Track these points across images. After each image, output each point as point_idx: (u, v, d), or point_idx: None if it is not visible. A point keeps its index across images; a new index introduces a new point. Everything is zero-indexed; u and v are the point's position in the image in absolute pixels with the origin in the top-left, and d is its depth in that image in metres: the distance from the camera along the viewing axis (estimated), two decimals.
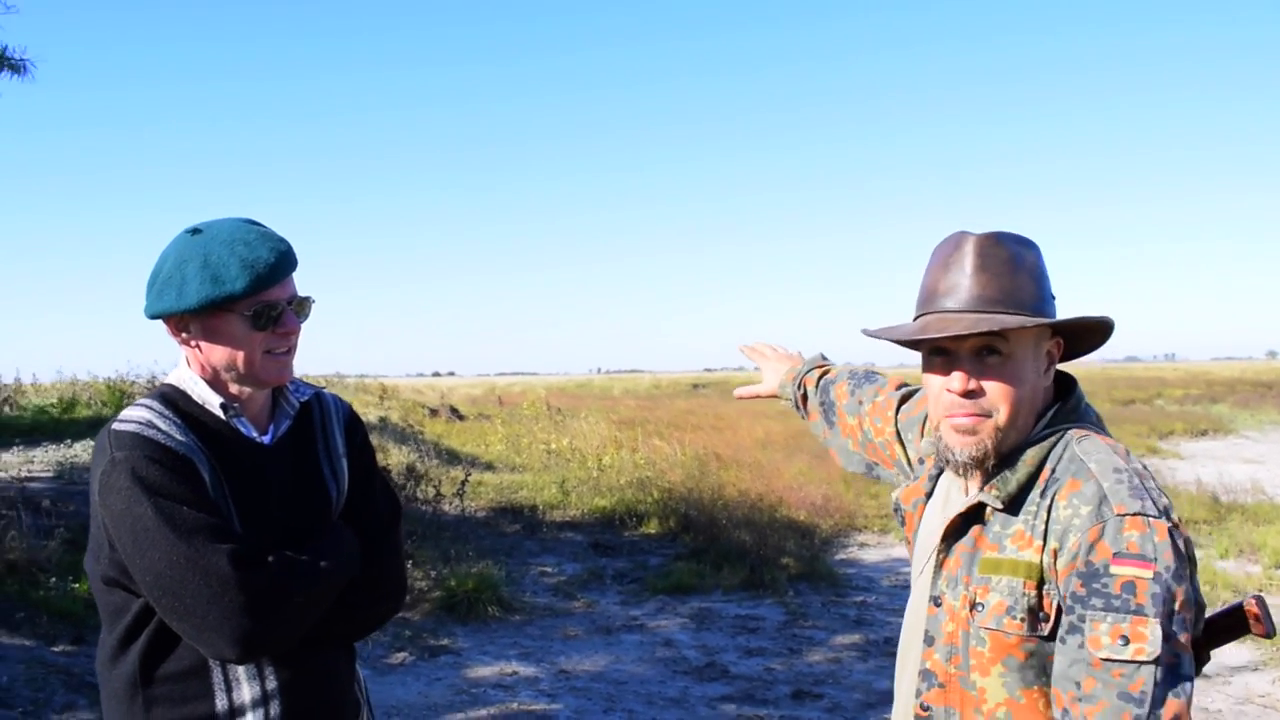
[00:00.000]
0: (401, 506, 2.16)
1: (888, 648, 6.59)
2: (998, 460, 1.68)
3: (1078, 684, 1.50)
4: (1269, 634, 1.66)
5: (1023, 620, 1.59)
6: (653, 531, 10.25)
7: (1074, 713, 1.50)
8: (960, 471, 1.72)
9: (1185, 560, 1.54)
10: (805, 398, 2.43)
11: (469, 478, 10.73)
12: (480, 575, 7.40)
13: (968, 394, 1.66)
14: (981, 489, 1.69)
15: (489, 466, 14.38)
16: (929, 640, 1.72)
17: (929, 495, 1.87)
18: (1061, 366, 1.80)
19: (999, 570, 1.63)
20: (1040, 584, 1.59)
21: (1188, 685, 1.48)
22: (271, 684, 1.82)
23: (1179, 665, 1.47)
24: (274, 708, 1.82)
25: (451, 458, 14.67)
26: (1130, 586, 1.49)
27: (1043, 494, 1.62)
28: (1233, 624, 1.66)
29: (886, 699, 5.68)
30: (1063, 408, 1.72)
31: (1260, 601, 1.65)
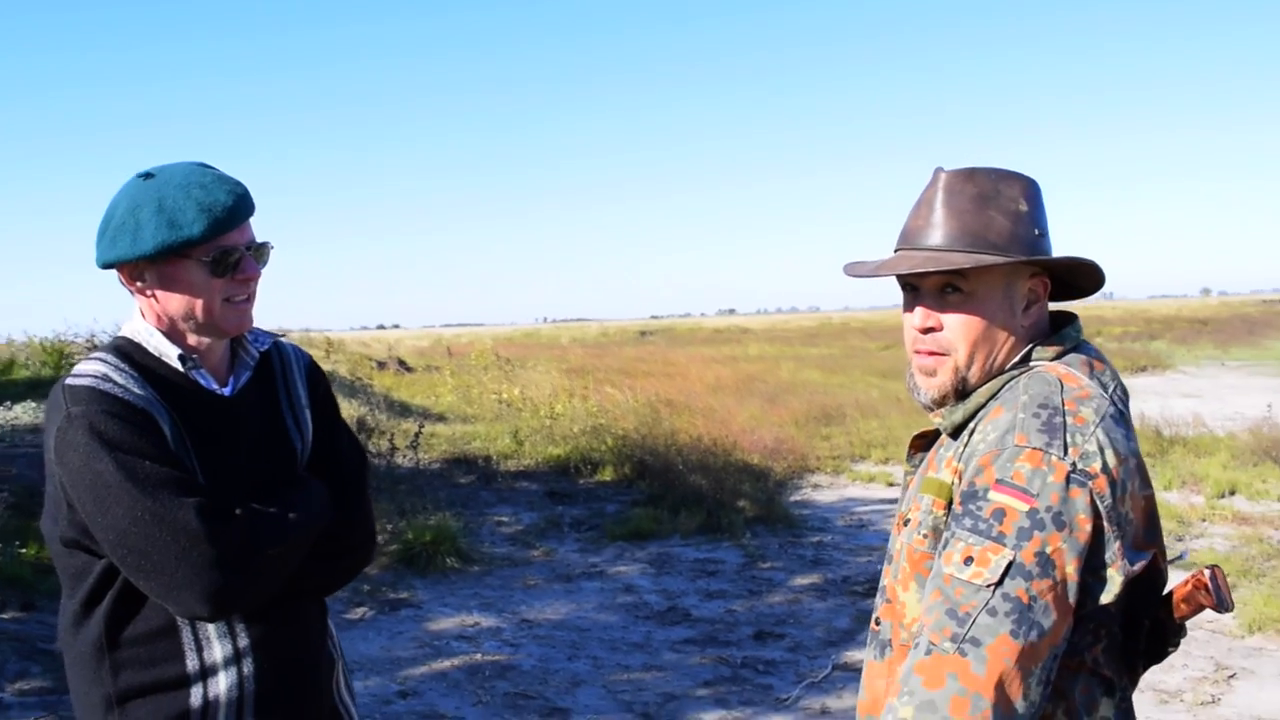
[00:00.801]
0: (367, 457, 2.10)
1: (846, 586, 6.67)
2: (959, 399, 1.67)
3: (930, 593, 1.50)
4: (1218, 608, 1.57)
5: (926, 537, 1.61)
6: (608, 479, 10.25)
7: (923, 619, 1.49)
8: (928, 410, 1.73)
9: (1084, 513, 1.46)
10: None
11: (423, 429, 10.64)
12: (437, 527, 7.34)
13: (928, 330, 1.66)
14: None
15: (441, 418, 14.27)
16: (889, 558, 1.74)
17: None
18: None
19: (928, 489, 1.64)
20: (949, 504, 1.59)
21: (1035, 634, 1.40)
22: (244, 641, 1.76)
23: (1029, 609, 1.41)
24: (247, 665, 1.76)
25: (403, 410, 14.55)
26: (1000, 514, 1.46)
27: (975, 420, 1.63)
28: (1167, 611, 1.61)
29: (847, 637, 5.74)
30: (1040, 346, 1.67)
31: (1215, 573, 1.57)
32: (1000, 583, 1.43)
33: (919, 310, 1.66)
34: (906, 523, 1.67)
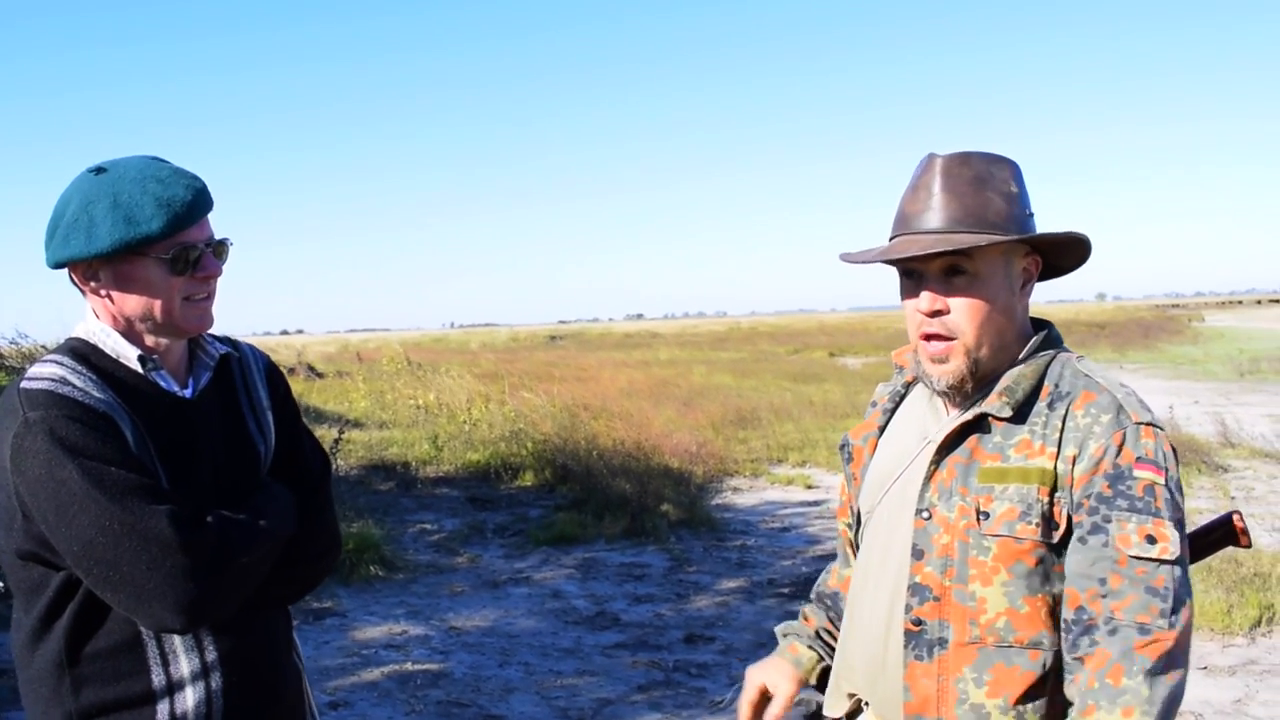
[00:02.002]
0: (330, 460, 2.04)
1: (772, 589, 6.69)
2: (976, 383, 1.69)
3: (1102, 580, 1.54)
4: (1249, 545, 1.77)
5: (1037, 525, 1.60)
6: (529, 484, 10.18)
7: (1096, 609, 1.54)
8: (944, 397, 1.76)
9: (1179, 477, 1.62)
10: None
11: (342, 435, 10.45)
12: (360, 535, 7.21)
13: (936, 313, 1.68)
14: (972, 405, 1.70)
15: (356, 424, 14.04)
16: (918, 554, 1.69)
17: (882, 429, 1.89)
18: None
19: (1005, 479, 1.63)
20: (1053, 491, 1.60)
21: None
22: (211, 655, 1.69)
23: (1187, 572, 1.55)
24: (215, 680, 1.69)
25: (316, 416, 14.29)
26: (1151, 490, 1.55)
27: (1050, 406, 1.64)
28: (1220, 537, 1.73)
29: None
30: (1050, 334, 1.75)
31: (1241, 516, 1.76)
32: (1182, 554, 1.54)
33: (926, 294, 1.67)
34: (980, 515, 1.63)
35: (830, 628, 2.03)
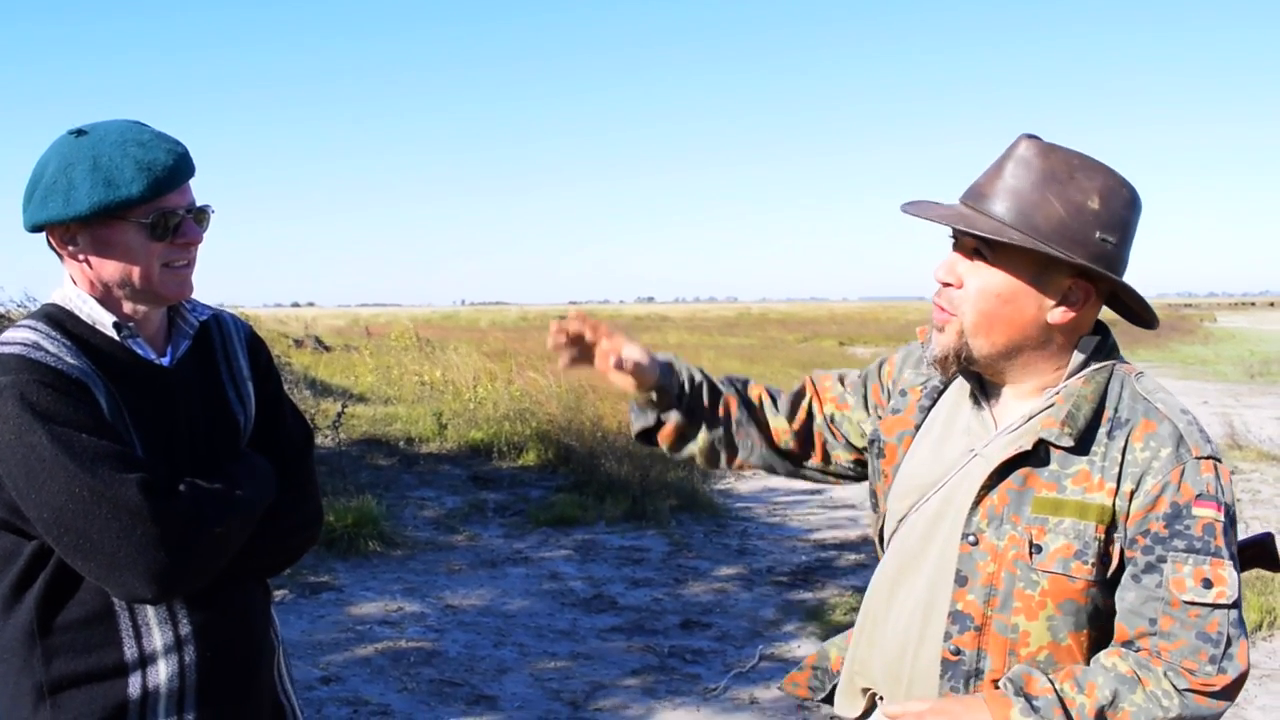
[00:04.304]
0: (312, 431, 2.01)
1: (770, 576, 6.66)
2: (961, 364, 1.64)
3: (1152, 620, 1.50)
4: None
5: (1093, 565, 1.54)
6: (531, 463, 10.14)
7: (1146, 644, 1.51)
8: (973, 396, 1.69)
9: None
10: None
11: (345, 409, 10.42)
12: (359, 509, 7.18)
13: (946, 284, 1.62)
14: (1031, 419, 1.61)
15: (361, 398, 14.00)
16: (961, 580, 1.61)
17: (918, 427, 1.78)
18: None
19: (1060, 511, 1.55)
20: (1110, 528, 1.54)
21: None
22: (185, 628, 1.66)
23: (1241, 610, 1.51)
24: (189, 653, 1.66)
25: (322, 389, 14.28)
26: (1211, 529, 1.50)
27: (1110, 434, 1.56)
28: (1256, 555, 1.69)
29: (773, 627, 5.73)
30: (1105, 343, 1.64)
31: (1272, 539, 1.71)
32: (1240, 596, 1.50)
33: (944, 264, 1.63)
34: (1033, 548, 1.56)
35: (707, 384, 1.92)
